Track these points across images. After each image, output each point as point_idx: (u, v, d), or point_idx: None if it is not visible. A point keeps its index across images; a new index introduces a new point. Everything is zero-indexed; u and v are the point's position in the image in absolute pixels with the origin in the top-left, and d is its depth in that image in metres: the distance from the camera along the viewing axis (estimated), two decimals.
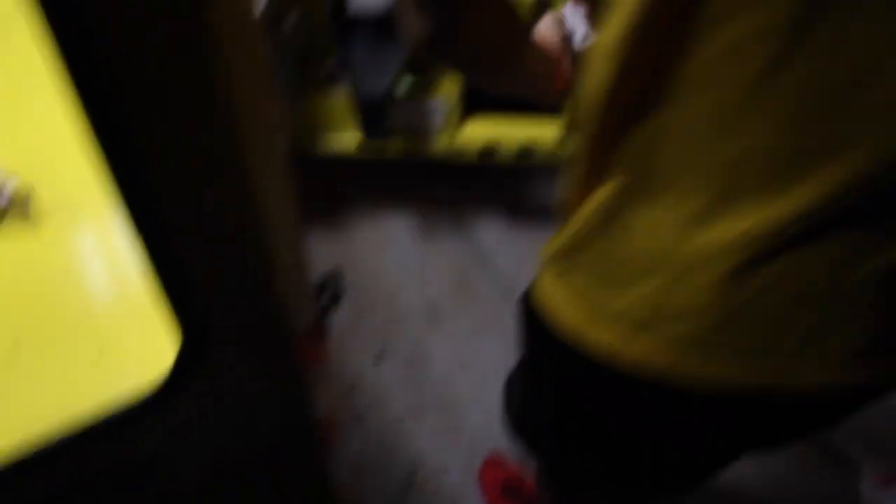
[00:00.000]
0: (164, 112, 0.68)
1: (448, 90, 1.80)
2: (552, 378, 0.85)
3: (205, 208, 0.78)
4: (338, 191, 2.17)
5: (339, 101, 1.84)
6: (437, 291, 1.97)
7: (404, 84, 1.82)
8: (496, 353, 1.83)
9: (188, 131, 0.73)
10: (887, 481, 1.62)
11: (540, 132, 1.85)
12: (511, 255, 2.04)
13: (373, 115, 1.75)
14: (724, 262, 0.61)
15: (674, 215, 0.62)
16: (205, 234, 0.80)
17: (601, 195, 0.66)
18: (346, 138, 1.89)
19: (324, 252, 2.03)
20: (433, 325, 1.90)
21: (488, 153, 1.86)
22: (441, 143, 1.89)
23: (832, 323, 0.62)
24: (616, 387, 0.72)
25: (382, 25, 1.76)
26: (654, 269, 0.64)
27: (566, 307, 0.73)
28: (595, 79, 0.61)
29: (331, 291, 1.70)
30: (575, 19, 0.88)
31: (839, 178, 0.54)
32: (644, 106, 0.59)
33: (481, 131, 1.86)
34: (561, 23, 0.87)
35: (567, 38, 0.86)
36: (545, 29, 0.87)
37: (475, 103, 1.87)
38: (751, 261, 0.60)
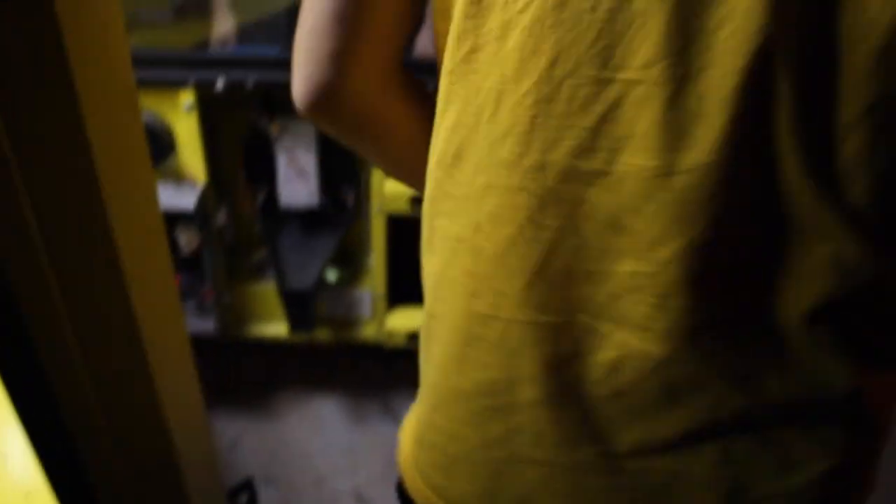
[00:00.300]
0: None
1: (375, 281, 1.87)
2: None
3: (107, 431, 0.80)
4: (267, 375, 2.19)
5: (268, 292, 1.90)
6: (367, 476, 1.96)
7: (331, 276, 1.90)
8: None
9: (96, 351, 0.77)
10: None
11: None
12: None
13: (299, 310, 1.81)
14: (466, 405, 0.67)
15: (436, 355, 0.70)
16: (107, 445, 0.82)
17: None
18: (274, 328, 1.94)
19: (253, 437, 2.03)
20: None
21: (417, 337, 1.92)
22: (368, 331, 1.95)
23: (539, 495, 0.67)
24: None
25: (311, 220, 1.86)
26: (427, 396, 0.72)
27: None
28: None
29: (245, 498, 1.71)
30: None
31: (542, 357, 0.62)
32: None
33: (409, 319, 1.93)
34: None
35: None
36: None
37: (403, 292, 1.95)
38: (484, 411, 0.66)
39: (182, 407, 0.99)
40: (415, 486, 0.75)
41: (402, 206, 1.74)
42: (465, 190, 0.63)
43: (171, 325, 0.95)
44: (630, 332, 0.59)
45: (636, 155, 0.55)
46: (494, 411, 0.66)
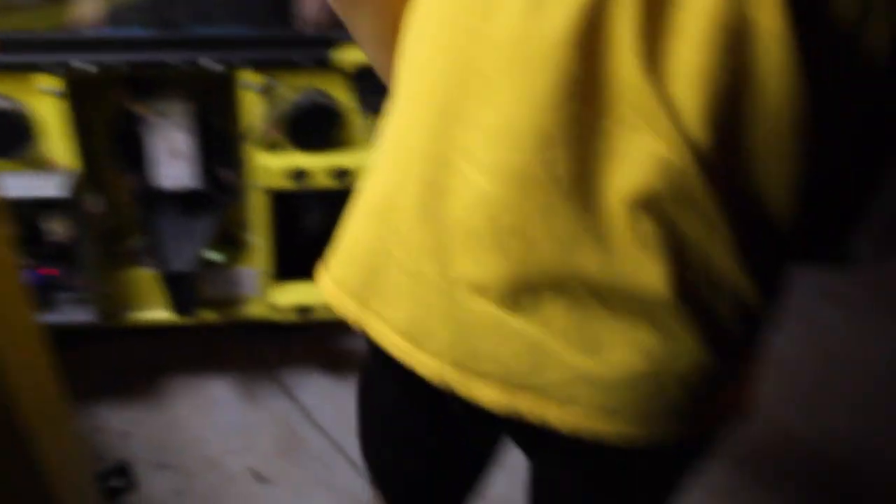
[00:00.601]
0: None
1: (260, 258, 1.86)
2: None
3: None
4: (156, 360, 2.16)
5: (149, 277, 1.87)
6: (263, 453, 1.97)
7: (215, 256, 1.88)
8: None
9: None
10: None
11: None
12: (335, 410, 2.08)
13: (180, 292, 1.79)
14: (366, 208, 0.82)
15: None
16: None
17: None
18: (158, 313, 1.92)
19: (143, 425, 2.00)
20: (262, 487, 1.89)
21: (306, 310, 1.92)
22: (256, 309, 1.94)
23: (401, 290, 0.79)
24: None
25: (190, 201, 1.84)
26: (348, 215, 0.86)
27: None
28: None
29: (122, 482, 1.70)
30: None
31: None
32: None
33: (297, 294, 1.93)
34: None
35: None
36: None
37: (290, 268, 1.94)
38: (374, 212, 0.80)
39: (37, 396, 0.98)
40: (323, 282, 0.88)
41: (281, 182, 1.73)
42: (406, 46, 0.78)
43: (17, 316, 0.93)
44: (479, 171, 0.69)
45: (510, 17, 0.65)
46: (381, 213, 0.79)
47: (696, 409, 0.76)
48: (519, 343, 0.72)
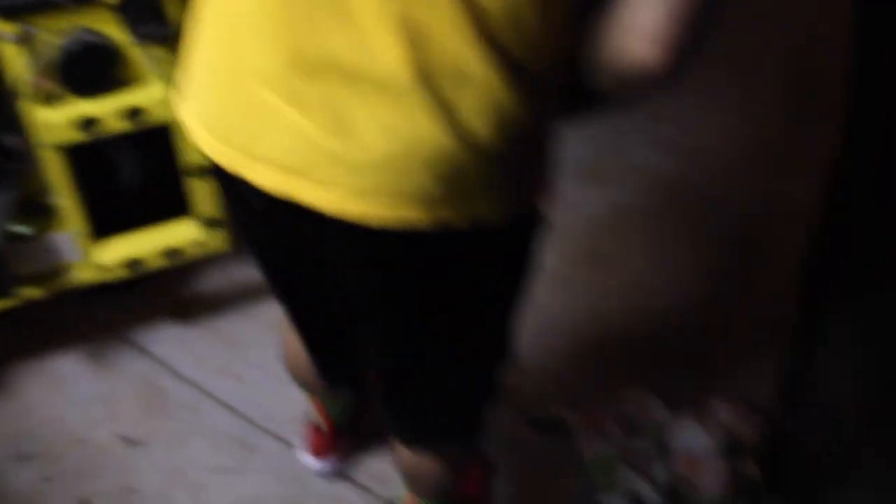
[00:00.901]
0: None
1: (70, 221, 1.76)
2: None
3: None
4: None
5: None
6: (129, 417, 1.91)
7: (22, 229, 1.76)
8: (207, 454, 1.83)
9: None
10: (595, 423, 1.78)
11: (182, 234, 1.86)
12: (192, 356, 2.04)
13: None
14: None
15: None
16: None
17: None
18: None
19: None
20: (135, 450, 1.85)
21: (136, 262, 1.84)
22: (82, 273, 1.84)
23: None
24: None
25: None
26: None
27: None
28: None
29: None
30: None
31: None
32: None
33: (123, 247, 1.85)
34: None
35: None
36: None
37: (111, 222, 1.84)
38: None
39: None
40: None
41: (69, 135, 1.62)
42: None
43: None
44: None
45: None
46: (203, 24, 0.90)
47: (452, 197, 0.81)
48: (288, 128, 0.81)
